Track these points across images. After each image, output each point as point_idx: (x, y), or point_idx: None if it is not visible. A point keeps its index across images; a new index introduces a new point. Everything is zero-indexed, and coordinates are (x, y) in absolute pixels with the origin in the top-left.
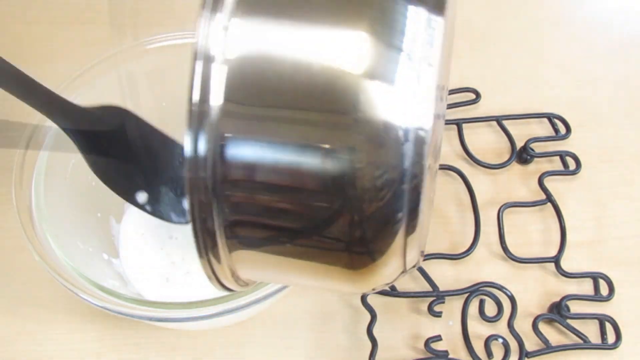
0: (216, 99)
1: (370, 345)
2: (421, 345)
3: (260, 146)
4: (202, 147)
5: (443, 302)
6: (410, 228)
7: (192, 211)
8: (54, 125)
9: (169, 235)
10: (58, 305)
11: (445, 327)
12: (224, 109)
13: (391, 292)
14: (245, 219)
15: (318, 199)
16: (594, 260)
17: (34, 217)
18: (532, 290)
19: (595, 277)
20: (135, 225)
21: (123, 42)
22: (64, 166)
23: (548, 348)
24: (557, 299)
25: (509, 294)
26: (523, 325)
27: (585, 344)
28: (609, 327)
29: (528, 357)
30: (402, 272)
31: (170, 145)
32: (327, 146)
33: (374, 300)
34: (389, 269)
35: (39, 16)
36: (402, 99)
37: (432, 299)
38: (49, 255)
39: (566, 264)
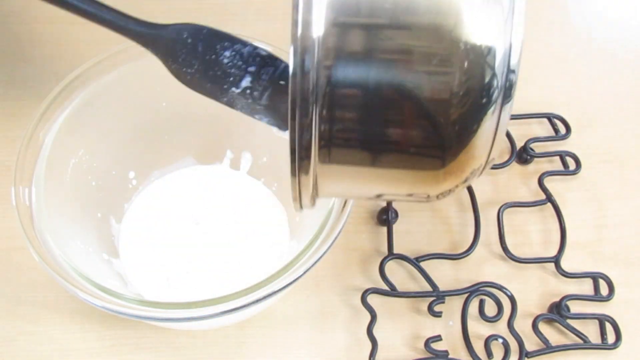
0: (321, 9)
1: (370, 345)
2: (421, 345)
3: (363, 54)
4: (308, 60)
5: (443, 302)
6: (498, 129)
7: (292, 127)
8: (54, 126)
9: (169, 235)
10: (58, 305)
11: (445, 327)
12: (328, 18)
13: (391, 292)
14: (342, 131)
15: (416, 106)
16: (594, 260)
17: (34, 217)
18: (532, 290)
19: (595, 277)
20: (135, 225)
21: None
22: (64, 166)
23: (548, 348)
24: (557, 299)
25: (509, 294)
26: (523, 325)
27: (585, 344)
28: (609, 327)
29: (528, 357)
30: (481, 168)
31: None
32: (426, 53)
33: (374, 300)
34: (474, 163)
35: (39, 16)
36: (498, 14)
37: (432, 299)
38: (49, 255)
39: (566, 264)
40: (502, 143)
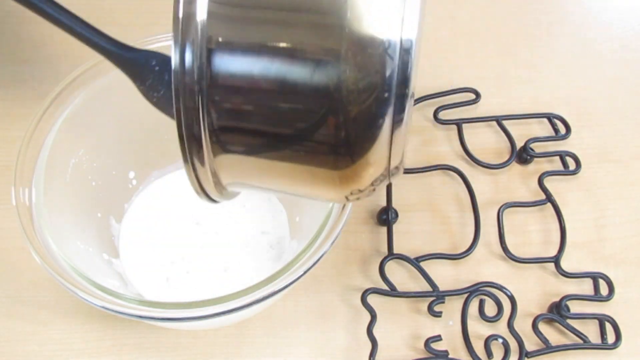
0: (202, 1)
1: (370, 345)
2: (421, 345)
3: (246, 47)
4: (189, 51)
5: (443, 302)
6: (394, 131)
7: (178, 115)
8: (54, 126)
9: (169, 235)
10: (58, 305)
11: (445, 327)
12: (210, 10)
13: (391, 292)
14: (231, 122)
15: (304, 100)
16: (594, 260)
17: (34, 217)
18: (532, 290)
19: (595, 277)
20: (135, 225)
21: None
22: (64, 166)
23: (548, 348)
24: (557, 299)
25: (509, 294)
26: (523, 325)
27: (585, 344)
28: (608, 327)
29: (528, 357)
30: (385, 174)
31: None
32: (314, 47)
33: (374, 300)
34: (372, 168)
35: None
36: (390, 6)
37: (432, 299)
38: (49, 255)
39: (566, 264)
40: (502, 143)
